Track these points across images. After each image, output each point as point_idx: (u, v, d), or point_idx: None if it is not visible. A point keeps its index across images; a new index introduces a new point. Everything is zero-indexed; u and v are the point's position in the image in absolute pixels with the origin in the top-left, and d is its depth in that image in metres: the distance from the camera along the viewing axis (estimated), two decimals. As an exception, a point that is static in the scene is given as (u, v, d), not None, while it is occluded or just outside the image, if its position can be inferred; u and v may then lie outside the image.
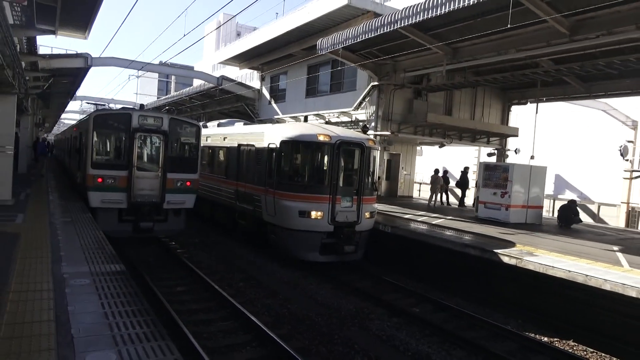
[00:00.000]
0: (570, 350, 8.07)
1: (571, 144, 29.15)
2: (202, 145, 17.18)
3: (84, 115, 20.23)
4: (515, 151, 20.94)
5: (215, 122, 19.33)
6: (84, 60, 21.22)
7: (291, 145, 12.04)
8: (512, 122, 21.66)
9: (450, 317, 9.35)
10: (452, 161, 31.14)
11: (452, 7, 10.42)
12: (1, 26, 7.63)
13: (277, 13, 72.16)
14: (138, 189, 12.56)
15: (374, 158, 12.56)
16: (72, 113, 61.55)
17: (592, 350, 8.20)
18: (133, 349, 3.92)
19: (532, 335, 8.50)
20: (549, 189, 29.96)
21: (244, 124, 17.66)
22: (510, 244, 11.03)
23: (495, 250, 10.25)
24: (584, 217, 26.07)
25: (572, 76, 15.03)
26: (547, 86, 17.13)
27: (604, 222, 24.52)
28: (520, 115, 23.16)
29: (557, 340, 8.46)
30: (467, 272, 10.84)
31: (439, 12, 10.88)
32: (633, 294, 7.84)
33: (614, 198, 25.47)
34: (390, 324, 8.68)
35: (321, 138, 11.57)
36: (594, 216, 26.64)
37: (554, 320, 9.08)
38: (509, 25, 9.60)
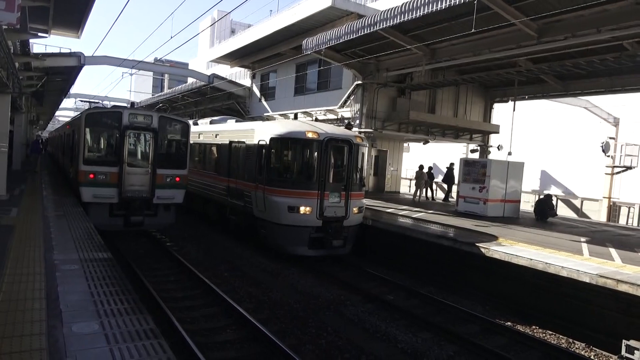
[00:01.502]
0: (530, 332, 8.68)
1: (556, 140, 29.83)
2: (194, 142, 17.62)
3: (78, 113, 20.69)
4: (497, 148, 21.56)
5: (208, 119, 19.68)
6: (77, 59, 21.64)
7: (280, 142, 12.44)
8: (496, 119, 22.28)
9: (422, 303, 9.95)
10: (440, 157, 31.76)
11: (426, 10, 11.00)
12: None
13: (271, 10, 72.42)
14: (128, 184, 13.06)
15: (362, 155, 12.96)
16: (67, 110, 61.88)
17: (550, 332, 8.80)
18: (114, 320, 4.50)
19: (496, 320, 9.08)
20: (535, 184, 30.73)
21: (236, 121, 18.05)
22: (483, 235, 11.64)
23: (466, 241, 10.87)
24: (568, 211, 26.90)
25: (549, 75, 15.62)
26: (526, 84, 17.73)
27: (587, 217, 25.22)
28: (503, 112, 23.78)
29: (519, 324, 9.05)
30: (441, 262, 11.46)
31: (414, 15, 11.46)
32: (586, 280, 8.46)
33: (597, 193, 26.15)
34: (364, 309, 9.25)
35: (309, 135, 11.95)
36: (577, 210, 27.37)
37: (518, 306, 9.71)
38: (473, 30, 10.19)
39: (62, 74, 23.23)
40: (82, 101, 26.62)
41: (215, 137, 16.41)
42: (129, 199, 13.00)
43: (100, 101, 33.26)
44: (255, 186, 12.72)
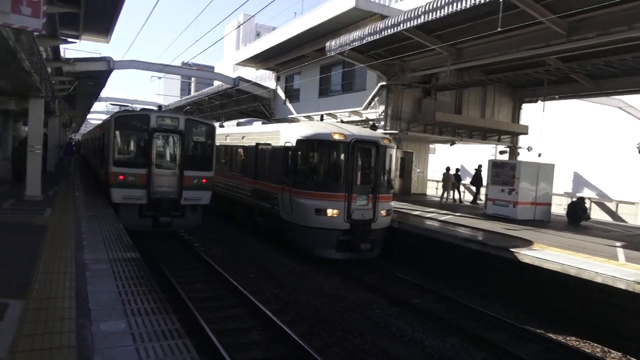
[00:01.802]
0: (562, 340, 8.40)
1: (589, 141, 28.95)
2: (221, 144, 17.65)
3: (108, 116, 21.22)
4: (527, 149, 21.04)
5: (234, 122, 19.78)
6: (107, 64, 22.19)
7: (306, 143, 12.30)
8: (525, 120, 21.77)
9: (450, 308, 9.76)
10: (467, 159, 31.24)
11: (450, 9, 10.83)
12: (28, 39, 8.38)
13: (295, 13, 72.79)
14: (157, 185, 13.27)
15: (390, 156, 12.75)
16: (98, 114, 63.49)
17: (585, 340, 8.49)
18: (140, 320, 4.55)
19: (527, 326, 8.81)
20: (568, 186, 29.88)
21: (262, 123, 17.92)
22: (512, 239, 11.37)
23: (495, 245, 10.62)
24: (602, 215, 26.00)
25: (580, 74, 15.16)
26: (556, 84, 17.25)
27: (623, 220, 24.33)
28: (533, 113, 23.22)
29: (550, 332, 8.77)
30: (470, 266, 11.22)
31: (438, 14, 11.29)
32: (622, 286, 8.14)
33: (633, 196, 25.23)
34: (390, 312, 9.15)
35: (336, 137, 11.81)
36: (613, 214, 26.43)
37: (549, 312, 9.40)
38: (499, 29, 9.95)
39: (93, 78, 23.85)
40: (112, 104, 27.29)
41: (242, 139, 16.41)
42: (157, 200, 13.20)
43: (130, 104, 34.06)
44: (281, 188, 12.64)
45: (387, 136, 13.07)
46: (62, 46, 17.67)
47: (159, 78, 29.98)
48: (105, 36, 18.98)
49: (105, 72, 23.02)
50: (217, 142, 18.26)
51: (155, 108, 16.72)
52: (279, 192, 12.81)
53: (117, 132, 13.34)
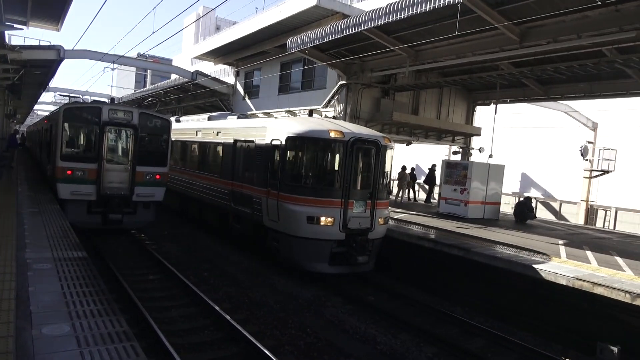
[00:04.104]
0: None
1: (536, 143, 30.32)
2: (189, 139, 16.95)
3: (56, 108, 20.28)
4: (479, 150, 21.76)
5: (205, 115, 18.43)
6: (57, 53, 21.14)
7: (298, 142, 10.92)
8: (478, 121, 22.49)
9: (403, 304, 9.98)
10: (422, 158, 31.98)
11: (410, 12, 11.03)
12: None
13: (257, 8, 72.06)
14: (107, 181, 12.87)
15: (390, 158, 11.66)
16: (46, 104, 60.53)
17: (529, 333, 8.89)
18: (86, 322, 4.38)
19: (477, 323, 9.13)
20: (515, 186, 31.17)
21: (238, 117, 16.39)
22: (463, 238, 11.73)
23: (447, 243, 10.95)
24: (547, 214, 27.31)
25: (531, 79, 15.81)
26: (508, 88, 17.94)
27: (565, 219, 25.66)
28: (486, 115, 24.05)
29: (497, 326, 9.12)
30: (420, 262, 11.51)
31: (399, 16, 11.48)
32: (563, 282, 8.57)
33: (575, 196, 26.61)
34: (344, 310, 9.26)
35: (333, 135, 10.49)
36: (556, 213, 27.83)
37: (499, 308, 9.77)
38: (456, 32, 10.27)
39: (41, 67, 22.70)
40: (61, 95, 26.05)
41: (217, 135, 14.86)
42: (107, 196, 12.83)
43: (81, 96, 32.63)
44: (266, 192, 11.26)
45: (387, 135, 11.99)
46: (7, 32, 16.75)
47: (113, 69, 28.92)
48: (55, 24, 18.17)
49: (54, 61, 21.94)
50: (185, 138, 17.75)
51: (107, 100, 16.10)
52: (262, 197, 11.46)
53: (66, 125, 12.82)
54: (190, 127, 17.82)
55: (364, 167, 11.05)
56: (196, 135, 16.51)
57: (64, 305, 4.75)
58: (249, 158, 12.57)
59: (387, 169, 11.51)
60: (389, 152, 11.46)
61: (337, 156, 10.77)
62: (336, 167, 10.82)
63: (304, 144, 10.97)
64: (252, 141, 12.39)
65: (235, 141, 13.39)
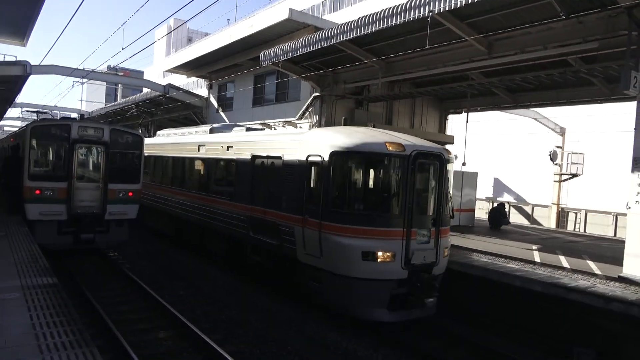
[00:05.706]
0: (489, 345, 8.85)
1: (508, 149, 31.06)
2: (188, 155, 15.43)
3: (24, 124, 19.69)
4: (453, 157, 22.07)
5: (206, 127, 16.85)
6: (22, 68, 20.57)
7: (347, 158, 9.03)
8: (450, 130, 22.86)
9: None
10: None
11: (381, 25, 11.18)
12: None
13: (228, 20, 71.99)
14: (78, 200, 12.56)
15: (451, 174, 9.91)
16: (12, 120, 58.87)
17: (504, 338, 9.01)
18: (57, 356, 4.21)
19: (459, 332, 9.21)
20: (489, 191, 31.79)
21: (247, 129, 14.73)
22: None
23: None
24: (520, 218, 27.92)
25: (500, 88, 16.18)
26: (478, 97, 18.30)
27: (538, 223, 26.29)
28: (458, 123, 24.50)
29: (478, 336, 9.21)
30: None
31: (370, 29, 11.61)
32: (539, 289, 8.73)
33: (546, 199, 27.30)
34: (327, 325, 9.17)
35: (391, 148, 8.60)
36: (529, 217, 28.50)
37: (479, 317, 9.88)
38: (427, 45, 10.45)
39: (6, 82, 22.03)
40: (28, 111, 25.37)
41: (227, 149, 12.79)
42: (78, 215, 12.51)
43: (49, 111, 31.89)
44: (302, 220, 9.30)
45: (447, 147, 10.29)
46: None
47: (82, 83, 28.37)
48: (21, 39, 17.68)
49: (20, 77, 21.35)
50: (181, 154, 16.26)
51: (77, 116, 15.74)
52: (296, 225, 9.49)
53: (34, 143, 12.48)
54: (187, 141, 16.22)
55: (424, 187, 9.35)
56: (198, 150, 14.55)
57: (33, 337, 4.56)
58: (275, 178, 10.55)
59: (451, 187, 9.80)
60: (451, 168, 9.75)
61: (396, 174, 8.99)
62: (395, 188, 8.98)
63: (355, 160, 9.14)
64: (279, 157, 10.39)
65: (254, 157, 11.39)
